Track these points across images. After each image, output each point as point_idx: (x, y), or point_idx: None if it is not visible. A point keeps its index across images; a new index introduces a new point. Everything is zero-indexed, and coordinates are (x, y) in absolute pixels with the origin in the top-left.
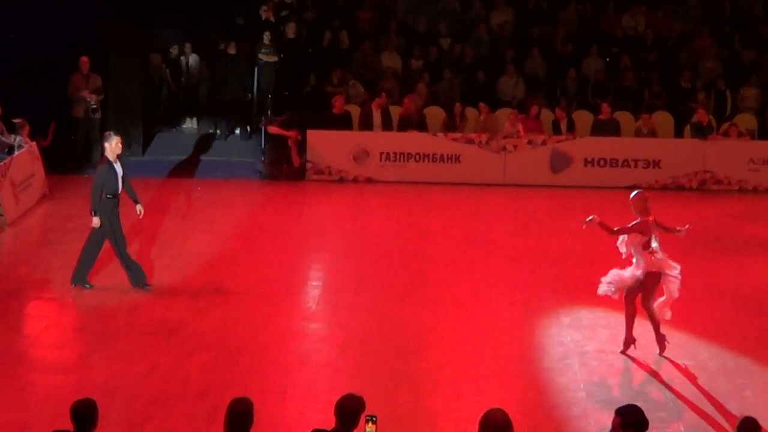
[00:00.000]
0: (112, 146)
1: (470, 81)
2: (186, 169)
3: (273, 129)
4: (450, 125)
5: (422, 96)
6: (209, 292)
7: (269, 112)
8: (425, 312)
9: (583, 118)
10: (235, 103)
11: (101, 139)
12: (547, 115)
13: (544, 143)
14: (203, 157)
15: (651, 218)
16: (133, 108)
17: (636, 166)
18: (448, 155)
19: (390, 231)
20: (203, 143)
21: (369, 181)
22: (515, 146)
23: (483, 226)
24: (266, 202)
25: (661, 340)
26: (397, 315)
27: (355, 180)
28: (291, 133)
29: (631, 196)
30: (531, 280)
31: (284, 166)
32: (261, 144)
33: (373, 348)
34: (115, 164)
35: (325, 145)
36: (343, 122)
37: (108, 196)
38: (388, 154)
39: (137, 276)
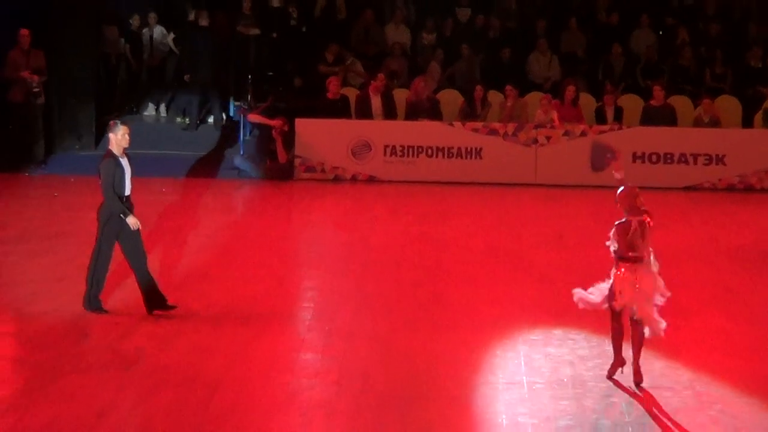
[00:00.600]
0: (118, 138)
1: (494, 59)
2: (147, 165)
3: (254, 117)
4: (469, 113)
5: (435, 77)
6: (176, 315)
7: (249, 96)
8: (439, 340)
9: (632, 103)
10: (208, 85)
11: (44, 130)
12: (587, 101)
13: (583, 134)
14: (169, 151)
15: (639, 220)
16: (83, 91)
17: (695, 162)
18: (467, 149)
19: (396, 241)
20: (169, 134)
21: (371, 180)
22: (548, 138)
23: (509, 235)
24: (246, 206)
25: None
26: (405, 344)
27: (353, 179)
28: (276, 123)
29: (618, 191)
30: (567, 304)
31: (268, 162)
32: (239, 136)
33: (375, 385)
34: (122, 159)
35: (318, 137)
36: (339, 109)
37: (117, 195)
38: (393, 147)
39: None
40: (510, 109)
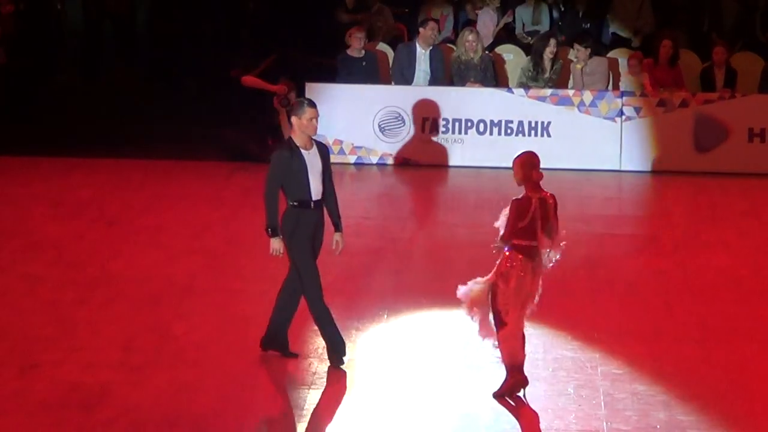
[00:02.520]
0: (303, 123)
1: (568, 4)
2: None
3: (249, 80)
4: (534, 76)
5: (490, 29)
6: (150, 340)
7: (242, 53)
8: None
9: (748, 64)
10: (188, 38)
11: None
12: (689, 60)
13: (684, 105)
14: (137, 126)
15: (540, 197)
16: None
17: None
18: (531, 123)
19: (438, 242)
20: (136, 102)
21: (405, 164)
22: (638, 110)
23: (588, 240)
24: (238, 199)
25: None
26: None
27: (382, 163)
28: (278, 88)
29: (516, 157)
30: (665, 325)
31: (268, 141)
32: (229, 105)
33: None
34: (304, 152)
35: (335, 108)
36: (363, 70)
37: (293, 203)
38: (435, 121)
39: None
40: (586, 71)
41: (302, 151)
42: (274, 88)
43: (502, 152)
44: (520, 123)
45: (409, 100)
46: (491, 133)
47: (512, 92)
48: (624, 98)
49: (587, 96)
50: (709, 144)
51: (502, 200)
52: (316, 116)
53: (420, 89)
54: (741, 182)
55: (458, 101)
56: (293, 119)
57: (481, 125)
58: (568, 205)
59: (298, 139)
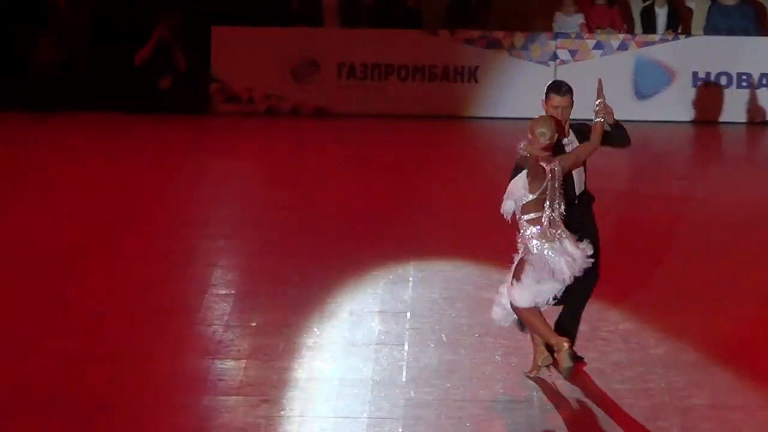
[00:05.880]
0: (547, 108)
1: None
2: None
3: (139, 55)
4: (460, 16)
5: None
6: (38, 307)
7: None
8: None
9: (693, 2)
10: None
11: None
12: None
13: (623, 47)
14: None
15: (552, 166)
16: None
17: None
18: (457, 69)
19: (354, 202)
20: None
21: (320, 113)
22: (573, 52)
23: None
24: (136, 151)
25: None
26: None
27: (295, 111)
28: (159, 31)
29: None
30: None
31: (165, 80)
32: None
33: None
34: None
35: (244, 53)
36: (273, 12)
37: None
38: (352, 66)
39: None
40: (516, 11)
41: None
42: (155, 35)
43: (426, 100)
44: (446, 68)
45: (324, 44)
46: (413, 79)
47: (437, 34)
48: (558, 41)
49: (518, 38)
50: (650, 90)
51: (414, 150)
52: (563, 105)
53: (334, 31)
54: (685, 130)
55: (377, 45)
56: (542, 103)
57: (403, 70)
58: (498, 158)
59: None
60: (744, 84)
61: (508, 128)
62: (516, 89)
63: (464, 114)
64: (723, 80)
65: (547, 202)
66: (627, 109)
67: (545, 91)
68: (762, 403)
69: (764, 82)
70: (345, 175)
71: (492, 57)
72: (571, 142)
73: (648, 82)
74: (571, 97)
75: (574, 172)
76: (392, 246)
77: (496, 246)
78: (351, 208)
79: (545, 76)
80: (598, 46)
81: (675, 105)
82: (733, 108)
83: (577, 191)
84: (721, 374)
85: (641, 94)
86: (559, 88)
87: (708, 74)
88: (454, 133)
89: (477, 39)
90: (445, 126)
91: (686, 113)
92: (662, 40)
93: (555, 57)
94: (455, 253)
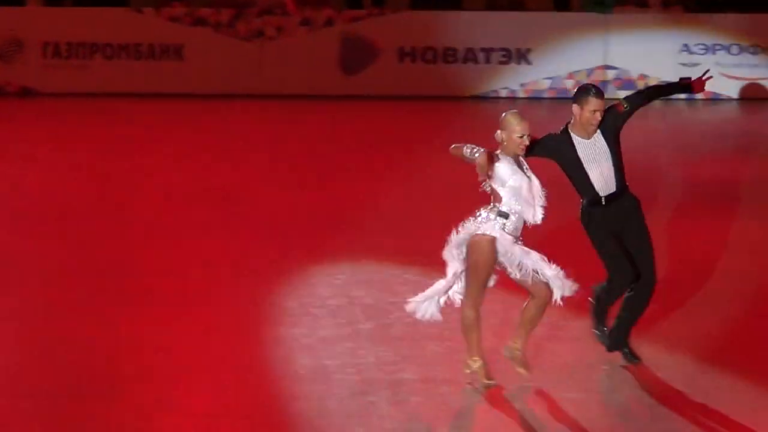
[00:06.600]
0: (585, 115)
1: None
2: None
3: None
4: None
5: None
6: None
7: None
8: (129, 317)
9: None
10: None
11: None
12: None
13: (330, 24)
14: None
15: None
16: None
17: (488, 60)
18: (162, 47)
19: (61, 184)
20: None
21: (25, 93)
22: (279, 29)
23: (225, 169)
24: None
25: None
26: (72, 331)
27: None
28: None
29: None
30: (304, 258)
31: None
32: None
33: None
34: (582, 140)
35: None
36: None
37: (585, 202)
38: (57, 46)
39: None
40: None
41: (578, 139)
42: None
43: (132, 78)
44: (151, 46)
45: (28, 23)
46: (119, 58)
47: (142, 12)
48: (264, 17)
49: (224, 15)
50: (357, 65)
51: (122, 129)
52: (601, 108)
53: (38, 10)
54: (391, 105)
55: (82, 23)
56: (574, 107)
57: (108, 49)
58: (205, 135)
59: (578, 130)
60: (450, 59)
61: (218, 104)
62: (222, 66)
63: (171, 91)
64: (428, 55)
65: None
66: (334, 85)
67: (579, 94)
68: (464, 378)
69: (470, 56)
70: (54, 156)
71: (198, 34)
72: (593, 148)
73: (354, 58)
74: None
75: (594, 172)
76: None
77: None
78: (62, 190)
79: (251, 53)
80: (304, 22)
81: (381, 80)
82: (440, 83)
83: (602, 193)
84: (431, 348)
85: (348, 69)
86: (599, 91)
87: (413, 49)
88: (162, 113)
89: (182, 17)
90: (152, 105)
91: (393, 88)
92: (368, 16)
93: (261, 34)
94: None
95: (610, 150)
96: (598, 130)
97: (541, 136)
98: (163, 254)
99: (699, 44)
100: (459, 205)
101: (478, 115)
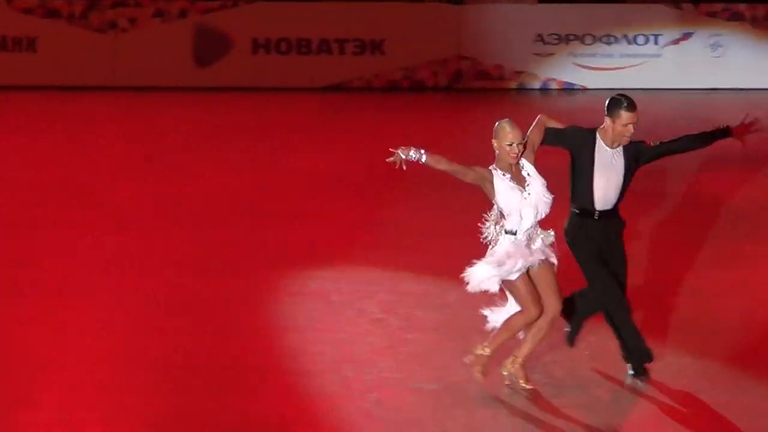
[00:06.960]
0: (616, 127)
1: None
2: None
3: None
4: None
5: None
6: None
7: None
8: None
9: None
10: None
11: None
12: None
13: (183, 15)
14: None
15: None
16: None
17: (342, 51)
18: (14, 39)
19: None
20: None
21: None
22: (133, 21)
23: (78, 163)
24: None
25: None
26: None
27: None
28: None
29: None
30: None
31: None
32: None
33: None
34: (607, 148)
35: None
36: None
37: (576, 210)
38: None
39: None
40: None
41: (604, 146)
42: None
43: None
44: (3, 38)
45: None
46: None
47: None
48: (117, 9)
49: (77, 7)
50: (210, 57)
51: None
52: (635, 122)
53: None
54: (245, 97)
55: None
56: (606, 119)
57: None
58: (57, 128)
59: (606, 138)
60: (304, 50)
61: (70, 96)
62: (76, 58)
63: (24, 84)
64: (283, 46)
65: None
66: (187, 77)
67: (610, 107)
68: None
69: (324, 47)
70: None
71: (51, 26)
72: (611, 160)
73: (208, 48)
74: None
75: (600, 181)
76: None
77: None
78: None
79: (105, 44)
80: (157, 13)
81: (235, 72)
82: (294, 74)
83: (597, 205)
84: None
85: (201, 61)
86: (630, 103)
87: (268, 40)
88: (15, 105)
89: (35, 8)
90: (5, 97)
91: (246, 80)
92: (222, 7)
93: (114, 25)
94: None
95: (624, 169)
96: (622, 148)
97: (565, 126)
98: (17, 247)
99: (553, 34)
100: (316, 195)
101: (332, 106)
